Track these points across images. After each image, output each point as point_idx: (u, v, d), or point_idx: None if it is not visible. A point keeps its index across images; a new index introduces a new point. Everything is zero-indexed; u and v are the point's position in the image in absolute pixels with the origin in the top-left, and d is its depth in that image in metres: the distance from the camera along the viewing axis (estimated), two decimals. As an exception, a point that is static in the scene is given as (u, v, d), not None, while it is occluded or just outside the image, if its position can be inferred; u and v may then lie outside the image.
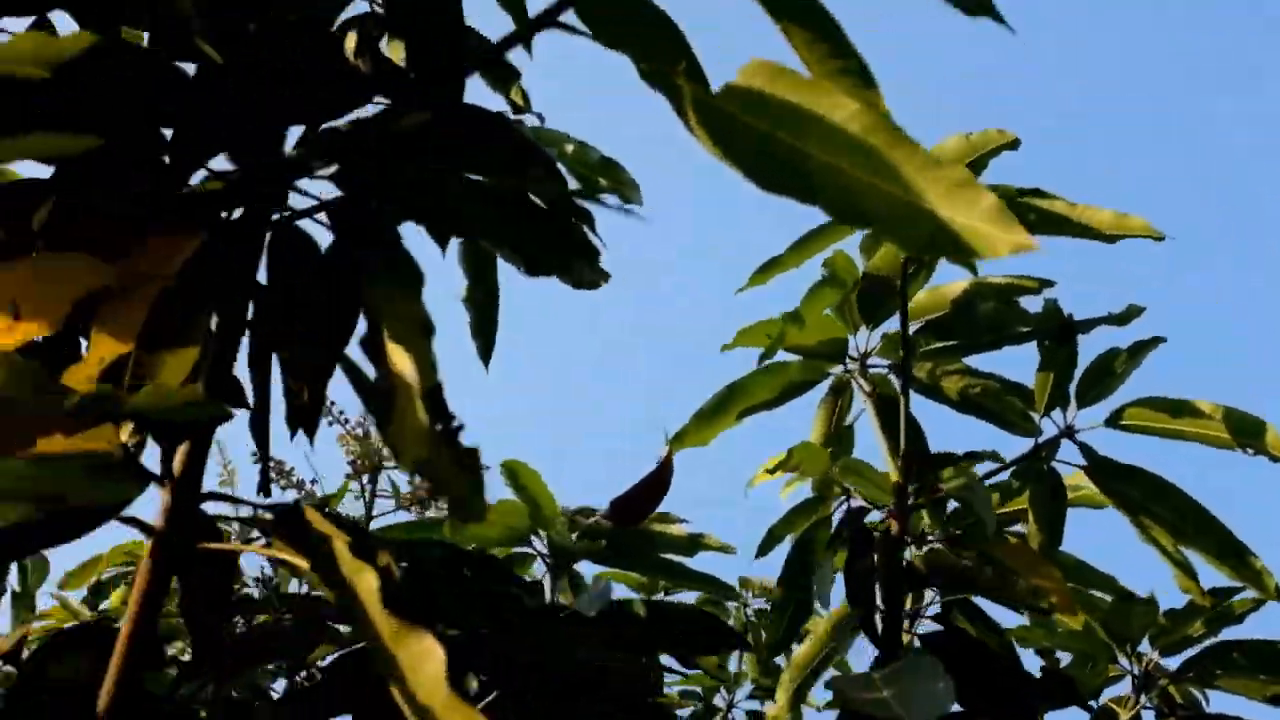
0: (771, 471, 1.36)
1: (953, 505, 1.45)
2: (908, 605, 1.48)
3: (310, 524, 0.63)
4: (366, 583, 0.54)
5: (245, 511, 0.98)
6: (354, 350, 0.77)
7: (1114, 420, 1.41)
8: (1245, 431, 1.31)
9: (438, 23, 0.86)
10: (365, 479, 1.46)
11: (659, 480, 1.26)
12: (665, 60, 0.78)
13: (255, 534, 1.33)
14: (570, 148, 1.04)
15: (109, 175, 0.74)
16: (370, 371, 0.68)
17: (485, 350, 1.12)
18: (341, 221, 0.71)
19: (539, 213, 0.83)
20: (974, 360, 1.44)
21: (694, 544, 1.63)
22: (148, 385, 0.51)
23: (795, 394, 1.47)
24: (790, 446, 1.32)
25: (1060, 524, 1.44)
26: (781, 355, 1.44)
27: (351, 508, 1.52)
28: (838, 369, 1.49)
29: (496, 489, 1.65)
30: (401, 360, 0.61)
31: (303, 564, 0.61)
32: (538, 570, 1.79)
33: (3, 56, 0.54)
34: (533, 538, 1.74)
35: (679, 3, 0.77)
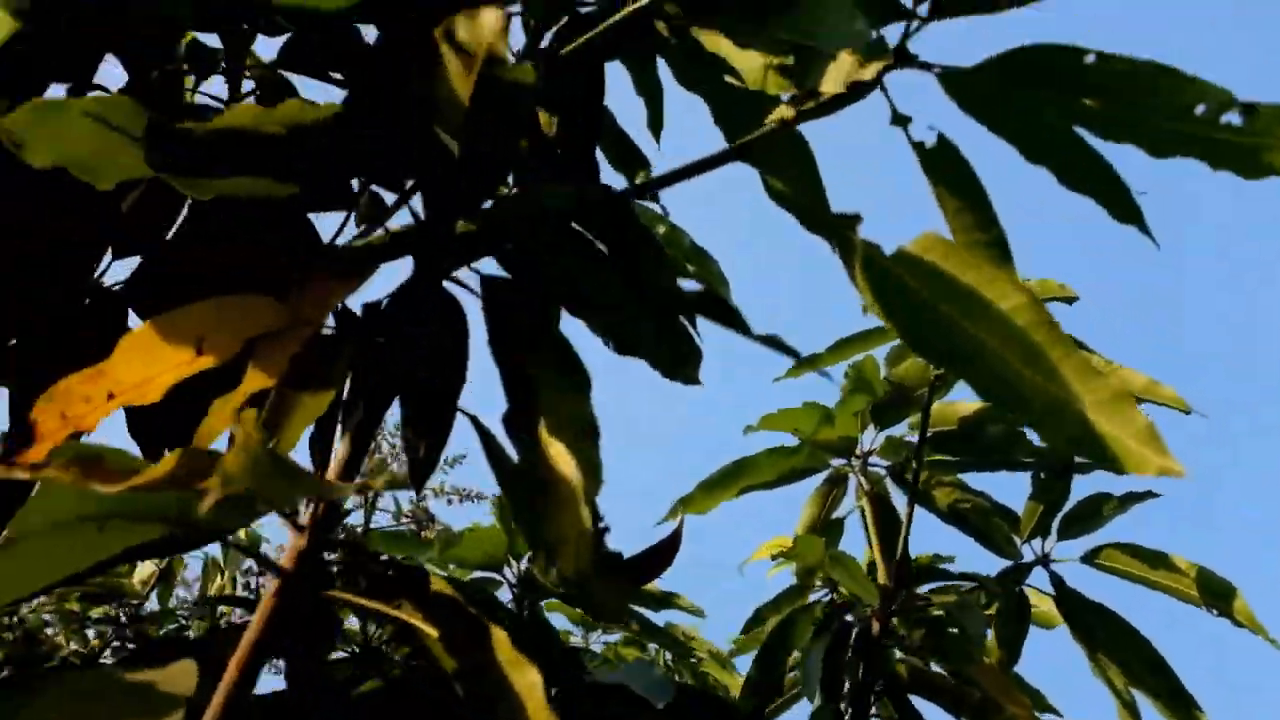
0: (775, 558, 1.40)
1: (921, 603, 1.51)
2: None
3: (444, 596, 0.66)
4: (528, 679, 0.57)
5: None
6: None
7: (1090, 558, 1.48)
8: (1215, 593, 1.38)
9: (584, 102, 0.90)
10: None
11: (668, 550, 1.29)
12: (811, 202, 0.82)
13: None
14: (663, 229, 1.07)
15: (291, 219, 0.76)
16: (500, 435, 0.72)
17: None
18: (500, 299, 0.74)
19: (643, 296, 0.86)
20: (967, 476, 1.50)
21: (665, 601, 1.67)
22: (386, 474, 0.53)
23: (795, 479, 1.52)
24: (795, 536, 1.37)
25: (1020, 644, 1.50)
26: (787, 438, 1.49)
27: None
28: (839, 461, 1.54)
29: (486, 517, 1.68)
30: (564, 461, 0.64)
31: (431, 632, 0.64)
32: (504, 598, 1.82)
33: (273, 117, 0.57)
34: (505, 567, 1.77)
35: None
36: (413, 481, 0.80)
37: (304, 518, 0.69)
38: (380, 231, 0.75)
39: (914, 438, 1.47)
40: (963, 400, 1.46)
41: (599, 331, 0.84)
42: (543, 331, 0.71)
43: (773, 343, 0.65)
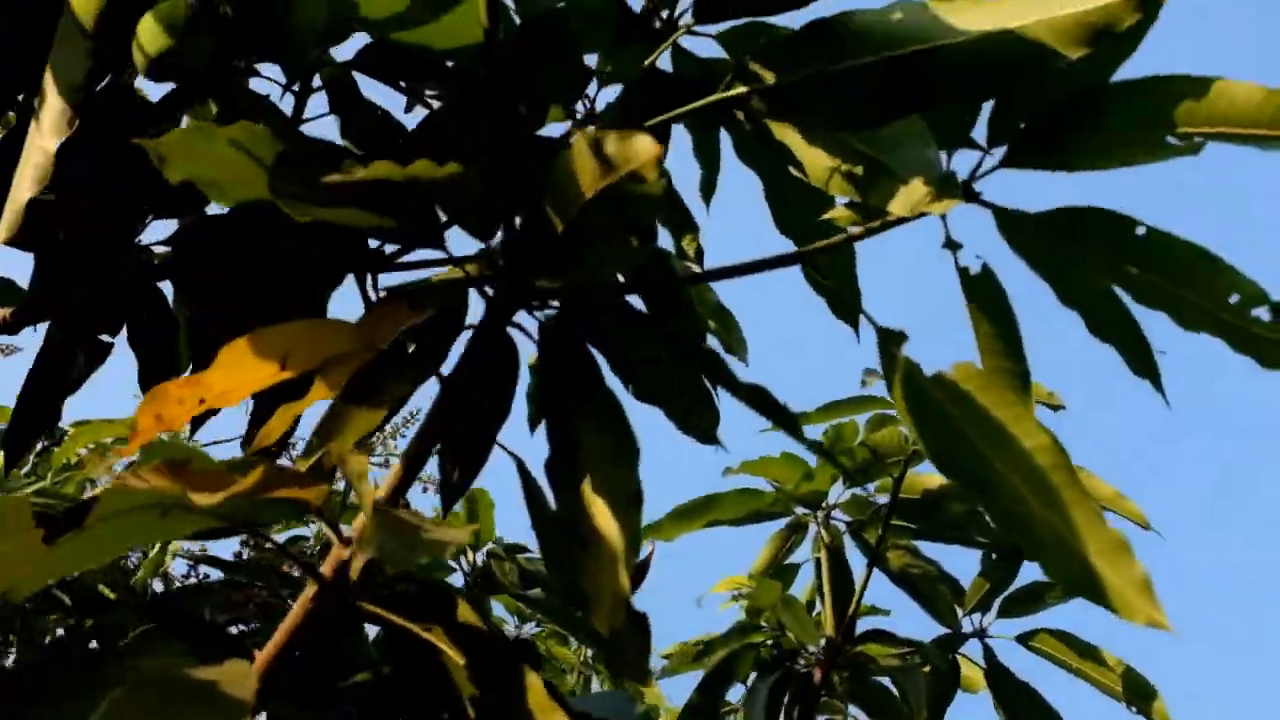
0: (736, 598, 1.46)
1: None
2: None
3: (471, 626, 0.70)
4: (557, 727, 0.61)
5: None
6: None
7: (1025, 639, 1.56)
8: (1138, 693, 1.46)
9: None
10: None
11: (638, 574, 1.35)
12: (846, 293, 0.88)
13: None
14: (691, 280, 1.12)
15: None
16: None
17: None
18: (555, 350, 0.78)
19: (681, 362, 0.89)
20: (922, 543, 1.57)
21: (612, 613, 1.71)
22: (471, 526, 0.58)
23: (760, 520, 1.58)
24: (755, 577, 1.43)
25: (946, 707, 1.58)
26: (759, 481, 1.55)
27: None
28: (802, 510, 1.61)
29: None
30: (608, 525, 0.68)
31: (459, 660, 0.69)
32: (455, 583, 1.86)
33: (403, 171, 0.61)
34: (461, 557, 1.81)
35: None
36: (442, 503, 0.84)
37: (350, 530, 0.73)
38: (453, 267, 0.79)
39: (879, 499, 1.54)
40: (930, 473, 1.53)
41: (624, 379, 0.87)
42: (596, 389, 0.75)
43: (817, 448, 0.70)
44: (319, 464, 0.76)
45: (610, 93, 0.98)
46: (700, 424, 0.88)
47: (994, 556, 1.52)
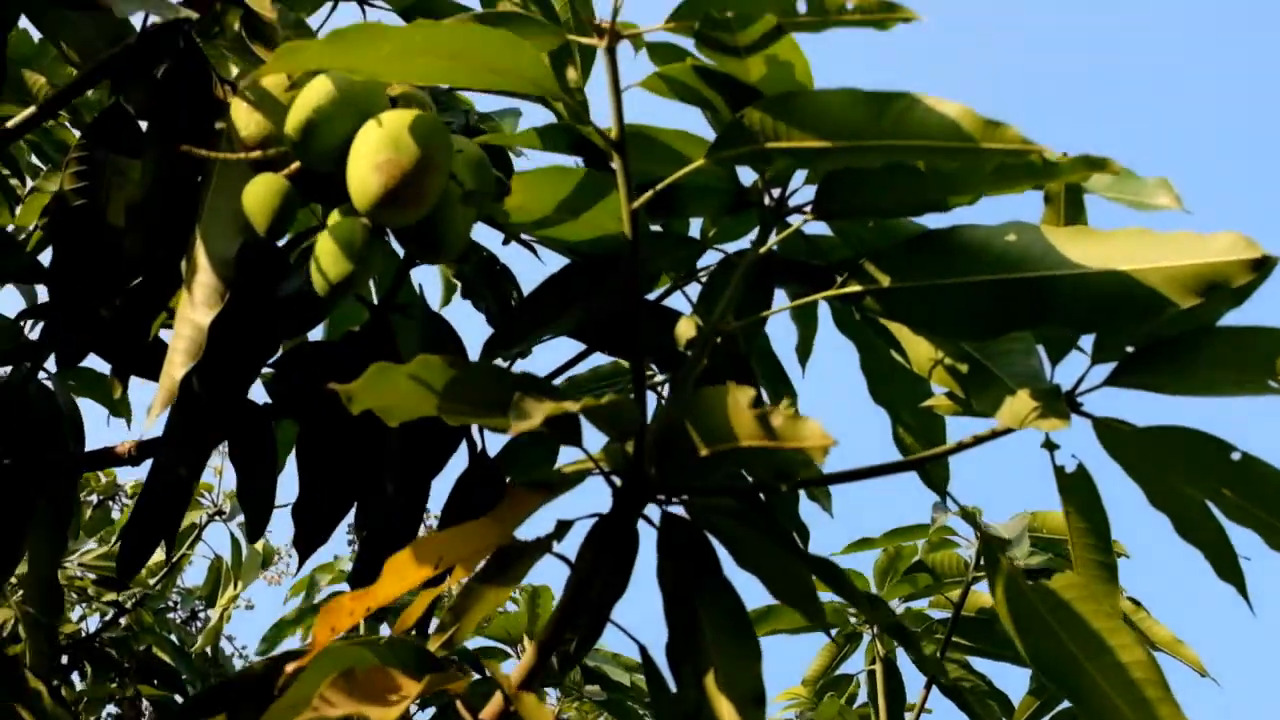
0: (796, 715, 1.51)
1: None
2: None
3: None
4: None
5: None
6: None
7: (1069, 757, 1.60)
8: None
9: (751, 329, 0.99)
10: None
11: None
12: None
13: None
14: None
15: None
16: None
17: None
18: (678, 544, 0.82)
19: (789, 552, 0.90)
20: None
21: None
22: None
23: (817, 630, 1.62)
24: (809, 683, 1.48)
25: (991, 820, 1.62)
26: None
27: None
28: (856, 620, 1.65)
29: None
30: (733, 721, 0.73)
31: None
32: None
33: (575, 409, 0.66)
34: (518, 644, 1.87)
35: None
36: (558, 674, 0.89)
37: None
38: (582, 456, 0.83)
39: (934, 613, 1.58)
40: (985, 590, 1.57)
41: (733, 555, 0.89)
42: (719, 584, 0.80)
43: (897, 634, 0.75)
44: (450, 640, 0.82)
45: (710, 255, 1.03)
46: (807, 613, 0.89)
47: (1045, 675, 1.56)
